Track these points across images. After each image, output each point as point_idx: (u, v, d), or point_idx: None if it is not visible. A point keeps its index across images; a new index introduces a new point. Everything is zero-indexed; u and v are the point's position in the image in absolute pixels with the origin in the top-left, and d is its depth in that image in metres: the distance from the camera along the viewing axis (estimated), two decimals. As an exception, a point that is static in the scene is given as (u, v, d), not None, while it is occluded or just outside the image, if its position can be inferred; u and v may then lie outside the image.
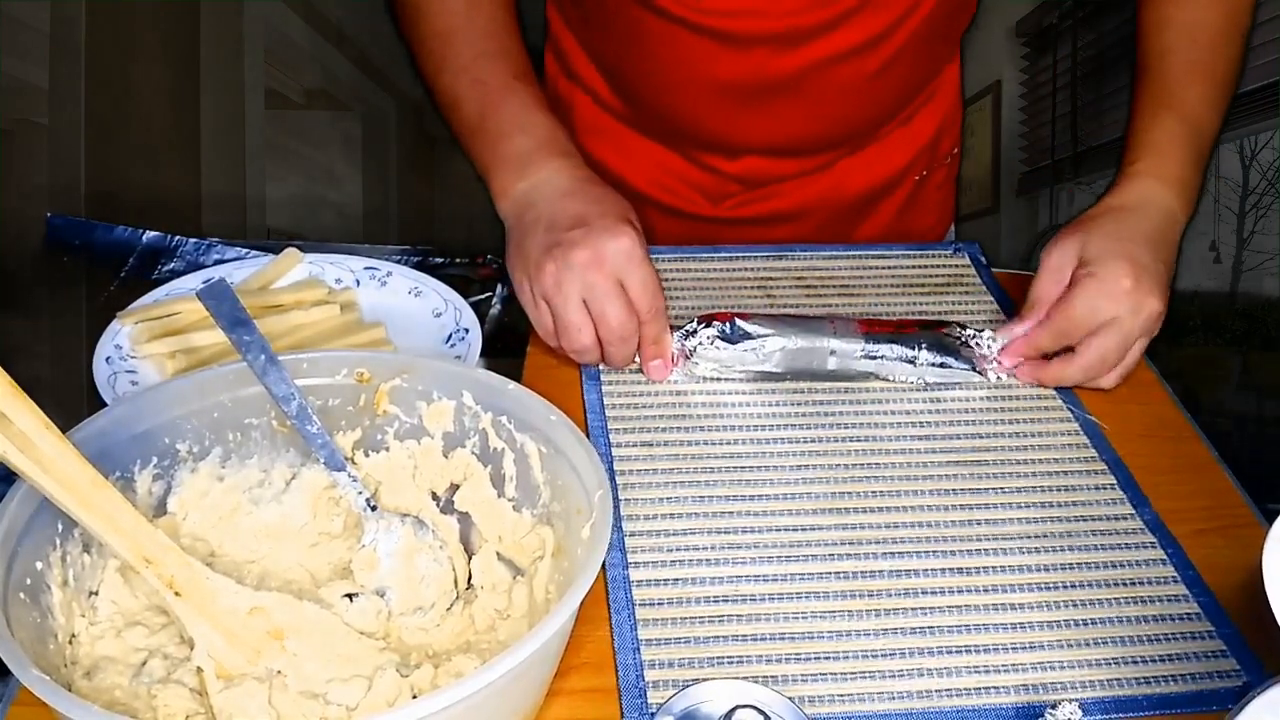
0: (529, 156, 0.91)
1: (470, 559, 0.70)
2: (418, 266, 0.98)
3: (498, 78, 0.95)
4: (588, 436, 0.69)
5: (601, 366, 0.89)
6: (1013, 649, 0.67)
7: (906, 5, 1.00)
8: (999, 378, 0.88)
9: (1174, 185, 0.90)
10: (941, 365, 0.87)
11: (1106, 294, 0.83)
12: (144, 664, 0.60)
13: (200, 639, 0.59)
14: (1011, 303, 0.98)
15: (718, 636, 0.68)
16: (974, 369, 0.88)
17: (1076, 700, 0.60)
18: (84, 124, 1.13)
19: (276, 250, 0.98)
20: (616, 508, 0.73)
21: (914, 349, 0.87)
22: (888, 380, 0.88)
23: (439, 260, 1.03)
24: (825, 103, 1.04)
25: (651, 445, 0.82)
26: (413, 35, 1.00)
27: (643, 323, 0.85)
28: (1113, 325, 0.84)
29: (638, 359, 0.88)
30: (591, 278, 0.83)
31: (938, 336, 0.88)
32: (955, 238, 1.32)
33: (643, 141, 1.12)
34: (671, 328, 0.88)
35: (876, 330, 0.88)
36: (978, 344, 0.88)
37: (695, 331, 0.87)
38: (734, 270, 1.02)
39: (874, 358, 0.87)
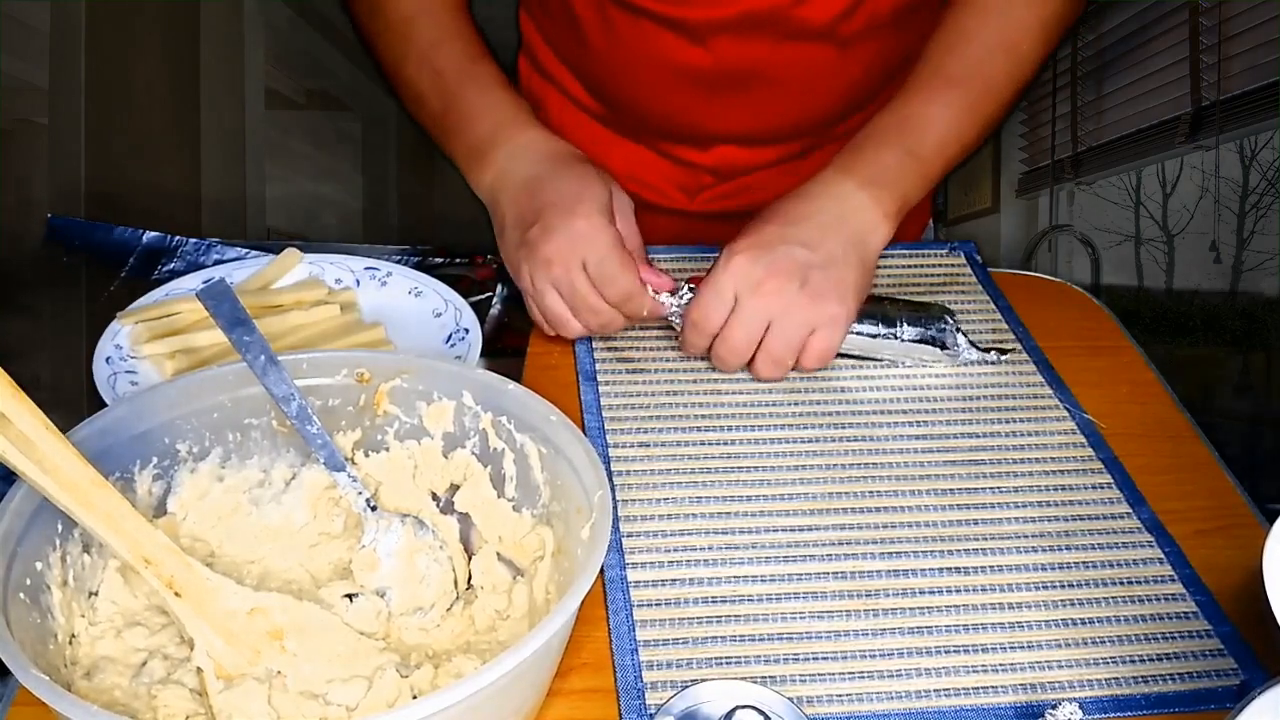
0: (485, 147, 0.92)
1: (470, 559, 0.70)
2: (418, 266, 0.98)
3: (454, 64, 0.96)
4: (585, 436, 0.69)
5: (599, 365, 0.89)
6: (1010, 648, 0.68)
7: None
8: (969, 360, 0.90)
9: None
10: (919, 342, 0.89)
11: None
12: (144, 664, 0.61)
13: (200, 639, 0.59)
14: (1007, 302, 0.98)
15: (716, 637, 0.68)
16: (947, 350, 0.89)
17: (1076, 700, 0.60)
18: (84, 124, 1.12)
19: (276, 250, 0.98)
20: (614, 508, 0.73)
21: (895, 325, 0.89)
22: (863, 359, 0.90)
23: (439, 260, 1.03)
24: (791, 89, 1.04)
25: (648, 445, 0.82)
26: (372, 27, 1.01)
27: (613, 305, 0.86)
28: None
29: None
30: (557, 272, 0.85)
31: (920, 319, 0.90)
32: (935, 236, 1.31)
33: (616, 138, 1.13)
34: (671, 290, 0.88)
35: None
36: (955, 339, 0.90)
37: (685, 297, 0.87)
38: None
39: (855, 333, 0.88)
